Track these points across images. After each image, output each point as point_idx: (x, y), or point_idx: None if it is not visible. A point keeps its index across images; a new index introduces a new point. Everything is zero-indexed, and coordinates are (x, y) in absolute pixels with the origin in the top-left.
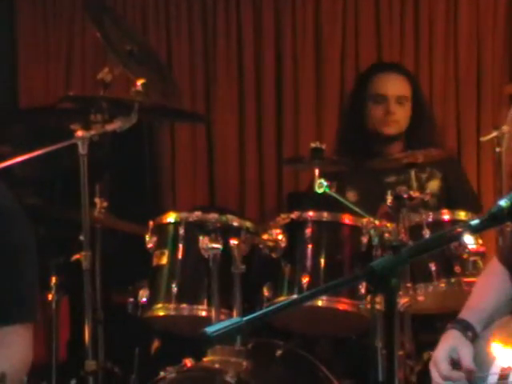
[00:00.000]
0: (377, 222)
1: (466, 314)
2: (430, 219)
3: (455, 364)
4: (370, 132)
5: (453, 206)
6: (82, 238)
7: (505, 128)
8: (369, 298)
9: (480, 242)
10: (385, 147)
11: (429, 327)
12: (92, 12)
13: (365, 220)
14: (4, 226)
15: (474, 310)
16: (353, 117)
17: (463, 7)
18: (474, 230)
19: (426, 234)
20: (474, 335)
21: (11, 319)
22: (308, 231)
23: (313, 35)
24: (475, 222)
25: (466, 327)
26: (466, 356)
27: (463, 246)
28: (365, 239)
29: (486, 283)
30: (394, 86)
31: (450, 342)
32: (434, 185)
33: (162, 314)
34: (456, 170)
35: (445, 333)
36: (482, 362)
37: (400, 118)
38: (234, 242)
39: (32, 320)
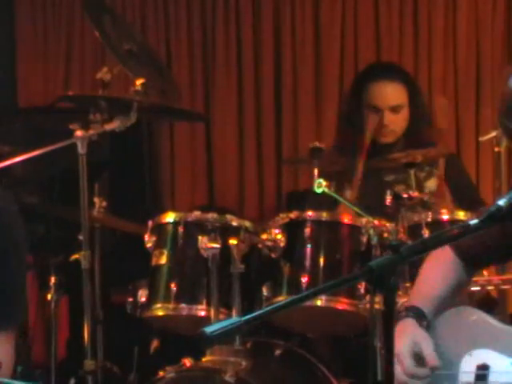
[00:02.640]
0: (376, 222)
1: (417, 301)
2: (429, 219)
3: (417, 358)
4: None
5: (455, 201)
6: (81, 237)
7: None
8: (368, 297)
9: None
10: (384, 151)
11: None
12: (91, 11)
13: (364, 220)
14: None
15: (425, 296)
16: (350, 122)
17: (462, 8)
18: (475, 229)
19: (425, 233)
20: (427, 324)
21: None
22: (307, 231)
23: (312, 35)
24: (474, 221)
25: (420, 316)
26: (430, 351)
27: None
28: (364, 239)
29: (437, 270)
30: (387, 96)
31: (410, 335)
32: (432, 183)
33: (161, 313)
34: (456, 166)
35: (399, 321)
36: (446, 354)
37: (396, 127)
38: (233, 241)
39: (16, 324)
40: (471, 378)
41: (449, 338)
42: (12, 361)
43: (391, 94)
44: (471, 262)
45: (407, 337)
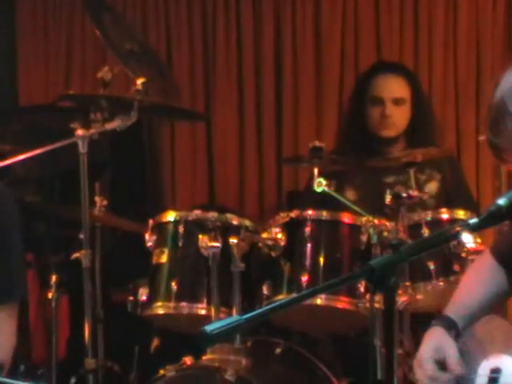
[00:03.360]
0: (376, 221)
1: (450, 311)
2: (429, 218)
3: (440, 364)
4: (369, 133)
5: (451, 206)
6: (81, 236)
7: None
8: (368, 296)
9: (478, 240)
10: (385, 148)
11: (428, 326)
12: (92, 11)
13: (364, 219)
14: None
15: (458, 306)
16: (353, 118)
17: (462, 8)
18: (473, 229)
19: (425, 232)
20: (457, 333)
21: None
22: (307, 230)
23: (312, 35)
24: (474, 220)
25: (450, 325)
26: (453, 357)
27: (462, 244)
28: (364, 238)
29: (476, 278)
30: (391, 88)
31: (435, 341)
32: (432, 186)
33: (161, 312)
34: (455, 171)
35: (429, 330)
36: (468, 361)
37: (397, 120)
38: (233, 240)
39: (16, 299)
40: (485, 380)
41: (474, 345)
42: (14, 336)
43: (394, 86)
44: (509, 264)
45: (431, 343)
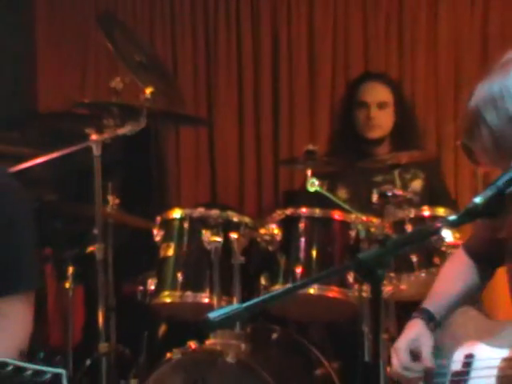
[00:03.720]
0: (364, 218)
1: (429, 304)
2: (412, 215)
3: (415, 354)
4: (357, 135)
5: (432, 204)
6: (95, 231)
7: None
8: (356, 286)
9: (457, 235)
10: (372, 149)
11: (411, 313)
12: (104, 26)
13: (353, 216)
14: None
15: (437, 299)
16: (343, 122)
17: (442, 24)
18: (452, 225)
19: (409, 228)
20: (435, 325)
21: (9, 290)
22: (301, 226)
23: (306, 48)
24: (453, 217)
25: (428, 317)
26: (426, 351)
27: (442, 239)
28: (353, 233)
29: (451, 273)
30: (375, 94)
31: (413, 333)
32: (416, 184)
33: (168, 300)
34: (436, 172)
35: (409, 321)
36: (444, 349)
37: (381, 122)
38: (233, 235)
39: (30, 289)
40: (459, 366)
41: (450, 335)
42: (30, 324)
43: (378, 91)
44: (484, 261)
45: (410, 334)
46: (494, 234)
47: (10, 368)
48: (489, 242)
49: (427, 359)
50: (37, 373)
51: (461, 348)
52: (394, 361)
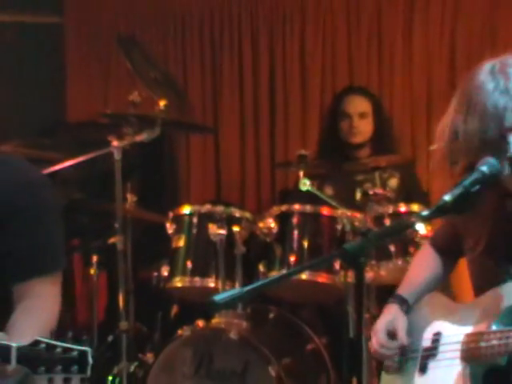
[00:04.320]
0: (349, 213)
1: (402, 290)
2: (390, 211)
3: (391, 334)
4: (342, 141)
5: (407, 201)
6: (116, 225)
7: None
8: (342, 272)
9: (429, 228)
10: (354, 153)
11: (389, 296)
12: (124, 47)
13: (339, 211)
14: (29, 193)
15: (408, 286)
16: (329, 130)
17: (416, 44)
18: (424, 220)
19: (387, 222)
20: (408, 308)
21: (39, 272)
22: (294, 220)
23: (298, 65)
24: (425, 213)
25: (401, 302)
26: (401, 330)
27: (416, 231)
28: (339, 226)
29: (419, 264)
30: (357, 105)
31: (389, 315)
32: (393, 183)
33: (179, 285)
34: (411, 173)
35: (386, 306)
36: (416, 329)
37: (362, 129)
38: (236, 228)
39: (57, 270)
40: (429, 342)
41: (420, 316)
42: (58, 303)
43: (359, 103)
44: (447, 254)
45: (386, 317)
46: (455, 229)
47: (42, 346)
48: (451, 237)
49: (403, 337)
50: (65, 350)
51: (430, 327)
52: (374, 341)
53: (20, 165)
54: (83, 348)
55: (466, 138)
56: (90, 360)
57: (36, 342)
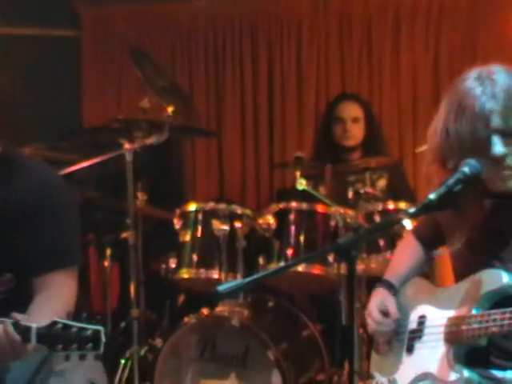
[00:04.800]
0: (342, 211)
1: (389, 276)
2: (380, 208)
3: (383, 313)
4: (335, 144)
5: (395, 199)
6: (128, 221)
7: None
8: (335, 265)
9: (415, 224)
10: (347, 155)
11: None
12: (135, 58)
13: (333, 209)
14: (48, 195)
15: (394, 272)
16: (324, 134)
17: (403, 55)
18: (411, 216)
19: (377, 218)
20: (394, 292)
21: (59, 265)
22: (291, 217)
23: (295, 75)
24: (412, 210)
25: (389, 286)
26: (392, 307)
27: (403, 227)
28: (333, 223)
29: (403, 253)
30: (350, 111)
31: (379, 298)
32: (381, 182)
33: (186, 276)
34: (399, 174)
35: (374, 290)
36: (402, 312)
37: (355, 133)
38: (237, 224)
39: (73, 265)
40: (415, 324)
41: (406, 300)
42: (75, 293)
43: (352, 109)
44: (427, 244)
45: (378, 299)
46: (436, 222)
47: (60, 326)
48: (432, 229)
49: (394, 312)
50: (80, 330)
51: (415, 310)
52: (369, 321)
53: (39, 168)
54: (96, 327)
55: (457, 138)
56: (103, 338)
57: (53, 323)
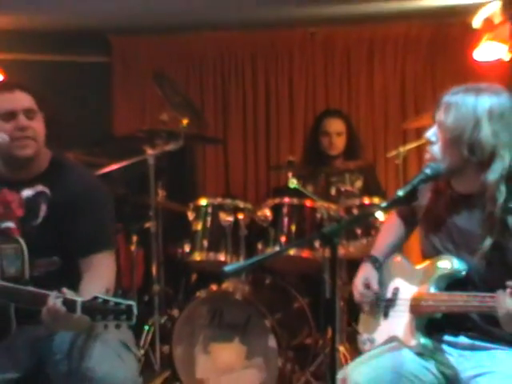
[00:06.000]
0: (326, 205)
1: (374, 252)
2: (357, 203)
3: (367, 286)
4: (322, 152)
5: (370, 195)
6: (150, 213)
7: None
8: (321, 249)
9: (386, 216)
10: (331, 160)
11: (356, 267)
12: (157, 80)
13: (319, 204)
14: (91, 192)
15: (379, 248)
16: (312, 143)
17: (376, 77)
18: (383, 210)
19: (355, 212)
20: (379, 265)
21: (99, 249)
22: (285, 210)
23: (287, 93)
24: (384, 204)
25: (374, 261)
26: (374, 282)
27: (376, 218)
28: (319, 215)
29: (387, 230)
30: (334, 126)
31: (364, 272)
32: (358, 183)
33: (198, 258)
34: (372, 174)
35: (362, 264)
36: (383, 283)
37: (338, 144)
38: (240, 216)
39: (112, 248)
40: (391, 294)
41: (387, 273)
42: (114, 272)
43: (336, 124)
44: (408, 222)
45: (362, 274)
46: (411, 209)
47: (100, 300)
48: (411, 210)
49: (374, 287)
50: (116, 304)
51: (392, 283)
52: (355, 292)
53: (83, 170)
54: (129, 302)
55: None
56: (135, 311)
57: (95, 298)
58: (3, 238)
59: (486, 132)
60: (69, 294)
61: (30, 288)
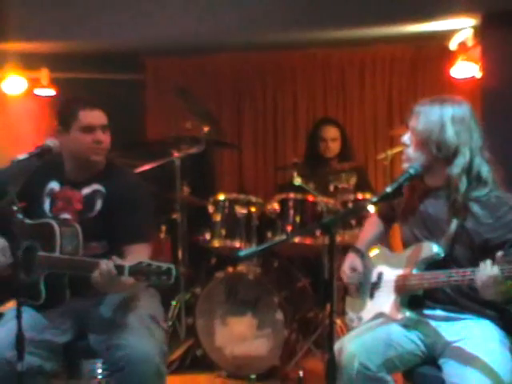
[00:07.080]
0: (325, 200)
1: (358, 244)
2: (352, 198)
3: (353, 270)
4: (320, 155)
5: (362, 192)
6: (177, 206)
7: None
8: (321, 237)
9: (376, 209)
10: (328, 162)
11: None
12: (182, 94)
13: (319, 198)
14: (135, 190)
15: (362, 241)
16: (312, 147)
17: (366, 88)
18: (373, 204)
19: (350, 205)
20: (361, 254)
21: (139, 239)
22: (290, 204)
23: (292, 104)
24: (374, 199)
25: (357, 251)
26: (359, 266)
27: (368, 211)
28: (319, 208)
29: (369, 227)
30: (330, 133)
31: (350, 260)
32: (352, 181)
33: (216, 245)
34: (363, 174)
35: (347, 255)
36: (367, 269)
37: (334, 148)
38: (252, 209)
39: (150, 240)
40: (375, 279)
41: (369, 262)
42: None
43: (332, 131)
44: (386, 221)
45: (349, 261)
46: (391, 207)
47: (143, 264)
48: (389, 211)
49: (360, 269)
50: (158, 266)
51: (376, 269)
52: (342, 275)
53: (128, 171)
54: (169, 265)
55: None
56: (174, 272)
57: (140, 263)
58: (64, 223)
59: (450, 133)
60: (118, 260)
61: (84, 257)
